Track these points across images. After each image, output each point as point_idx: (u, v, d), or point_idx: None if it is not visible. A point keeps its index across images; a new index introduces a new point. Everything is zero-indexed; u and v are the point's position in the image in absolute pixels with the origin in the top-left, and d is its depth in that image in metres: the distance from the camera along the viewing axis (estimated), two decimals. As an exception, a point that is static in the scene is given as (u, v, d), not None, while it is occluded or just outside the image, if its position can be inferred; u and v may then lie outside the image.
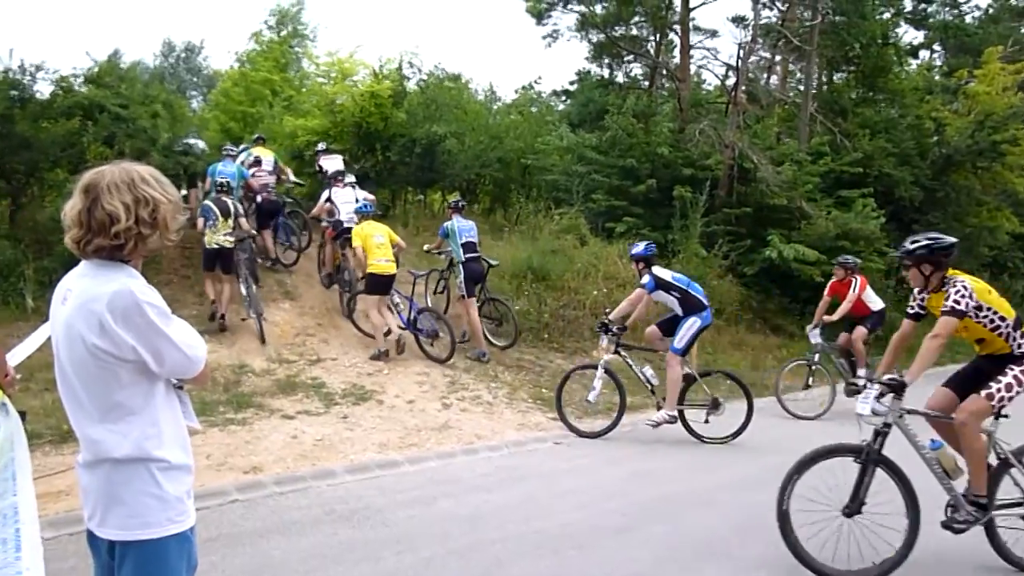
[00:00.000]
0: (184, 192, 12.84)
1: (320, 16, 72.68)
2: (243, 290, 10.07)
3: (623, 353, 8.42)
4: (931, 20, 26.72)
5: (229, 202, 10.31)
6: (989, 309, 4.72)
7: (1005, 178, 19.99)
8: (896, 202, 18.34)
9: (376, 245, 9.80)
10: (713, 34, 24.83)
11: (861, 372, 9.66)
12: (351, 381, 9.14)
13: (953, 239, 4.88)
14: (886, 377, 4.63)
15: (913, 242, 4.87)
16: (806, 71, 20.13)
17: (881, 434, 4.64)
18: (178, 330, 2.25)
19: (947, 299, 4.66)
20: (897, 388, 4.55)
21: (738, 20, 23.22)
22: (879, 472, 4.63)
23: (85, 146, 11.79)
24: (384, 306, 9.97)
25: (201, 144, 14.92)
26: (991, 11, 28.52)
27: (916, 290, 4.97)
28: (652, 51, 21.59)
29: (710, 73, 26.34)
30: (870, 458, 4.62)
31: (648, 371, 8.42)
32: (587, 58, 24.84)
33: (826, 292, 10.49)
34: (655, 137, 16.72)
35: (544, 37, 22.28)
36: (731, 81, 19.33)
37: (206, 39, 66.26)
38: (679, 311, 8.14)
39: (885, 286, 17.25)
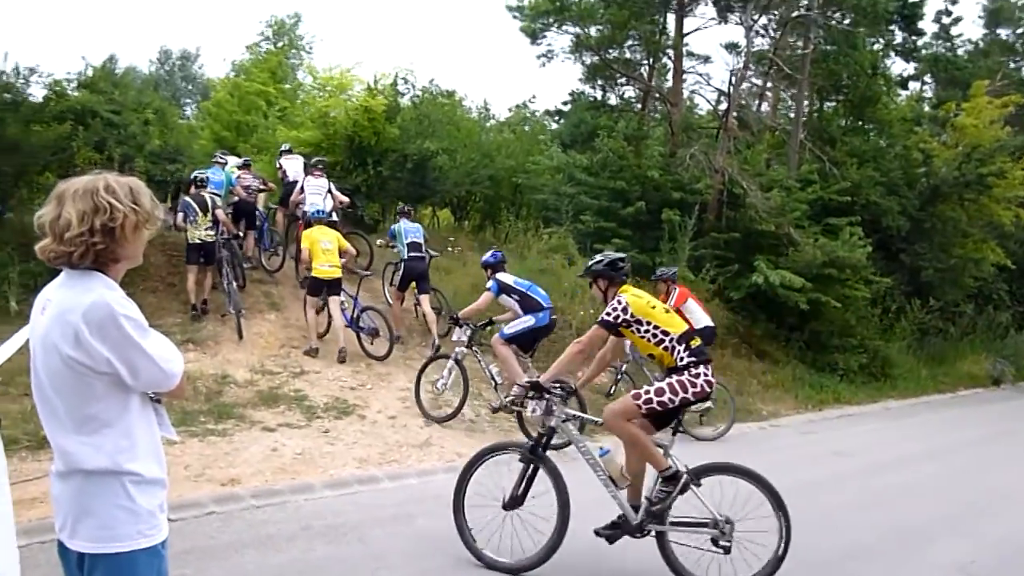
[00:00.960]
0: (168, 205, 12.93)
1: (316, 29, 73.01)
2: (224, 287, 10.38)
3: (474, 348, 9.03)
4: (922, 52, 26.96)
5: (207, 196, 10.70)
6: (650, 324, 4.87)
7: (991, 210, 20.06)
8: (883, 231, 18.40)
9: (323, 250, 10.18)
10: (706, 60, 24.89)
11: None
12: (334, 395, 9.10)
13: (621, 255, 5.29)
14: (525, 381, 5.09)
15: (592, 259, 5.26)
16: (796, 99, 20.24)
17: (543, 435, 5.01)
18: (154, 344, 2.23)
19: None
20: (535, 391, 4.92)
21: (731, 47, 23.29)
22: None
23: (75, 150, 11.83)
24: (318, 308, 10.42)
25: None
26: (981, 45, 28.88)
27: None
28: (645, 75, 21.67)
29: (702, 98, 26.41)
30: (529, 457, 4.93)
31: (494, 368, 9.04)
32: (581, 79, 24.72)
33: None
34: (646, 160, 16.77)
35: (539, 57, 22.23)
36: (723, 107, 19.41)
37: (202, 47, 66.61)
38: (519, 312, 8.68)
39: (871, 314, 17.33)
